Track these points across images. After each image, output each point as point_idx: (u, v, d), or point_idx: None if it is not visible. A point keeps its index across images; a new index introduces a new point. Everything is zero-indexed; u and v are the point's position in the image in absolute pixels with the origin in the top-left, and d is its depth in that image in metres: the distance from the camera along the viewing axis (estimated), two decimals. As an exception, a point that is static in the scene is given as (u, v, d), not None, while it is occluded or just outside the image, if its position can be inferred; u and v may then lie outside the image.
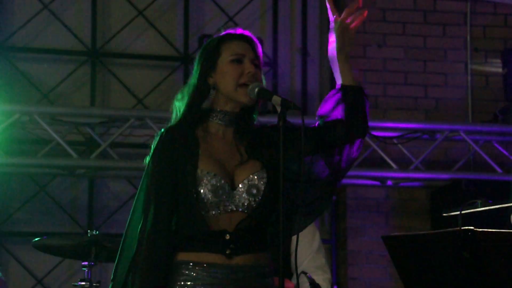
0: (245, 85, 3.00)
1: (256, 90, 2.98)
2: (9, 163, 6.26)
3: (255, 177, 2.99)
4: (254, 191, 2.98)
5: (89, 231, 4.66)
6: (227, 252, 2.94)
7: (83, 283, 4.61)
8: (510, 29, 7.24)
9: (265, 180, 2.98)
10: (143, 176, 3.04)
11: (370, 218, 6.87)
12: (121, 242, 3.02)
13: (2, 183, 6.59)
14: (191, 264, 2.96)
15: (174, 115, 3.11)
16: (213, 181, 2.95)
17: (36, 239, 4.67)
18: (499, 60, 7.04)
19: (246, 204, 2.97)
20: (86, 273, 4.63)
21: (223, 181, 2.96)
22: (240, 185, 2.98)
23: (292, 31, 7.28)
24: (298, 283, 3.02)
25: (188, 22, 7.11)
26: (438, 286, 3.17)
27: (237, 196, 2.97)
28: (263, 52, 3.19)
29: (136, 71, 7.10)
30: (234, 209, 2.97)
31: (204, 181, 2.95)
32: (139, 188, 3.03)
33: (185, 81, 7.71)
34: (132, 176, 6.77)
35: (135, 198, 3.03)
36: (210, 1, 7.16)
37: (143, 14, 7.06)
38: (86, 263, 4.62)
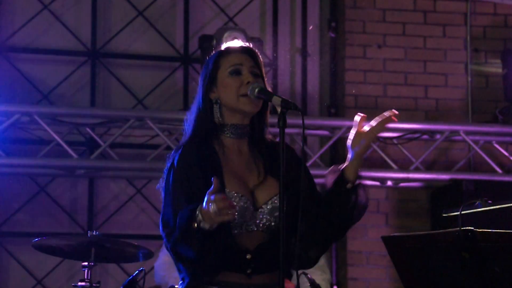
0: (245, 95, 3.01)
1: (257, 90, 2.99)
2: (9, 163, 6.26)
3: (277, 200, 2.96)
4: (276, 213, 2.96)
5: (89, 231, 4.66)
6: (248, 271, 2.94)
7: (83, 283, 4.61)
8: (510, 29, 7.24)
9: (286, 201, 2.93)
10: (164, 192, 3.00)
11: (370, 218, 6.86)
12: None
13: (2, 183, 6.59)
14: (212, 284, 2.94)
15: (185, 131, 3.10)
16: (241, 203, 2.94)
17: (36, 239, 4.67)
18: (499, 61, 7.04)
19: (267, 224, 2.98)
20: (86, 274, 4.63)
21: (248, 203, 2.96)
22: (263, 206, 2.98)
23: (292, 31, 7.28)
24: (298, 283, 3.02)
25: (188, 22, 7.11)
26: (438, 286, 3.17)
27: (260, 217, 2.97)
28: (263, 53, 3.20)
29: (136, 71, 7.10)
30: (255, 229, 2.97)
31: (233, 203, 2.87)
32: (163, 204, 2.99)
33: (185, 81, 7.75)
34: (132, 176, 6.77)
35: (163, 205, 2.99)
36: (210, 1, 7.16)
37: (143, 15, 7.06)
38: (86, 263, 4.62)
